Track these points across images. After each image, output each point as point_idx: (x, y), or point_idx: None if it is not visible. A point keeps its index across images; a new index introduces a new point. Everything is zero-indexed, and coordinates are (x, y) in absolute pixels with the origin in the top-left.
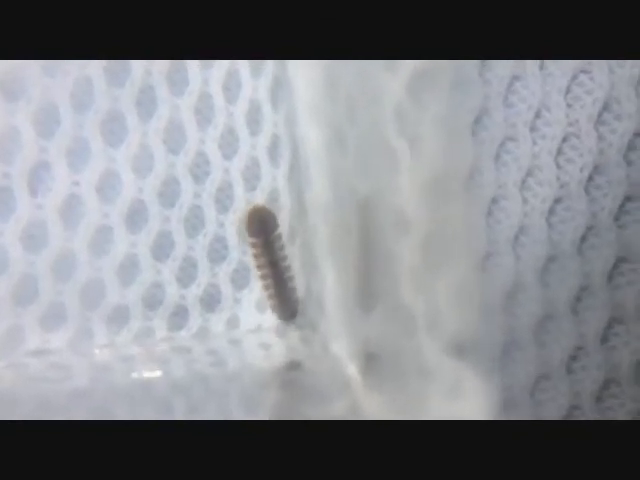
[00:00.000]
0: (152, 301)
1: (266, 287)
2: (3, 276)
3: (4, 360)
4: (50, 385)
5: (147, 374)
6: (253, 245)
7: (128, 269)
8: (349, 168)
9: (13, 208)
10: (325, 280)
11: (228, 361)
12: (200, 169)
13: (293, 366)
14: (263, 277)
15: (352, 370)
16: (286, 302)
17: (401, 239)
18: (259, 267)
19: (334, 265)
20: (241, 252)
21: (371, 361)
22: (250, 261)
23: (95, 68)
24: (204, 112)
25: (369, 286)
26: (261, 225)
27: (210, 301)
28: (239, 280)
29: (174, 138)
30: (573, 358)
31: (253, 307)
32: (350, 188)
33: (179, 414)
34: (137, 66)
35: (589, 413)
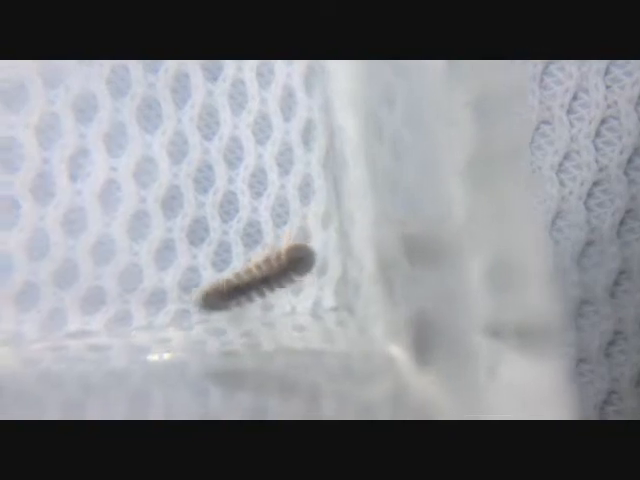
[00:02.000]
0: (188, 285)
1: (236, 278)
2: (45, 260)
3: (46, 341)
4: (89, 366)
5: (183, 356)
6: (271, 266)
7: (164, 253)
8: (386, 154)
9: (53, 193)
10: (363, 265)
11: (262, 343)
12: (234, 155)
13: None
14: (246, 273)
15: (395, 351)
16: (225, 301)
17: (443, 220)
18: (250, 272)
19: (373, 251)
20: (274, 237)
21: (416, 340)
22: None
23: None
24: (237, 98)
25: (411, 269)
26: (299, 265)
27: None
28: None
29: (208, 124)
30: (612, 343)
31: (288, 291)
32: (388, 174)
33: (215, 397)
34: None
35: (628, 398)
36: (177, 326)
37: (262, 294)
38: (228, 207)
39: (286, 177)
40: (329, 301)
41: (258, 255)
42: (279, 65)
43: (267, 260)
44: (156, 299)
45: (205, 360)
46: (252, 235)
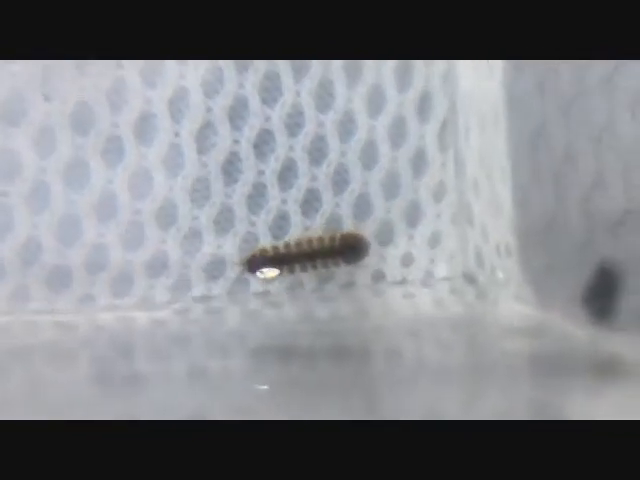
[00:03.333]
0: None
1: (285, 247)
2: (173, 229)
3: (175, 305)
4: (210, 327)
5: (296, 321)
6: (323, 246)
7: (280, 222)
8: (550, 121)
9: (182, 164)
10: (488, 233)
11: (369, 311)
12: (345, 127)
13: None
14: (296, 245)
15: (534, 313)
16: (266, 266)
17: None
18: (300, 245)
19: (508, 218)
20: (385, 211)
21: (590, 301)
22: (393, 220)
23: None
24: (350, 71)
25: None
26: (350, 253)
27: None
28: (383, 236)
29: (323, 98)
30: None
31: (398, 262)
32: (549, 140)
33: (322, 360)
34: None
35: None
36: (292, 295)
37: (304, 269)
38: (337, 179)
39: (398, 150)
40: (441, 271)
41: (315, 231)
42: None
43: (321, 238)
44: None
45: (315, 323)
46: (362, 208)
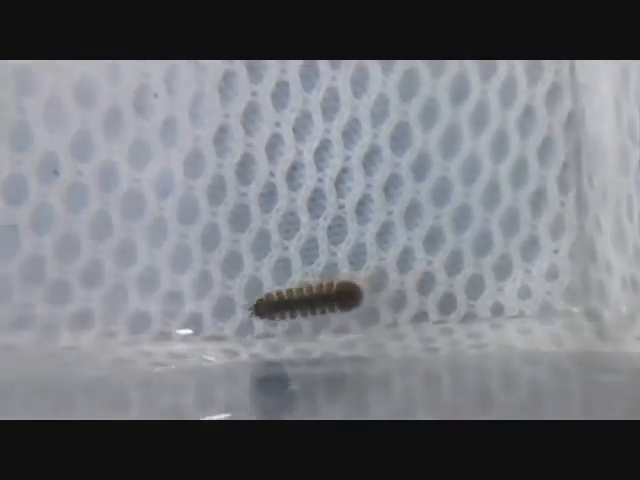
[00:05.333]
0: (425, 289)
1: (287, 293)
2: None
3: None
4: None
5: (417, 353)
6: (321, 292)
7: (404, 257)
8: None
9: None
10: (611, 269)
11: (489, 344)
12: (470, 173)
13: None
14: (297, 291)
15: None
16: (271, 311)
17: None
18: (300, 291)
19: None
20: (503, 246)
21: None
22: (511, 254)
23: None
24: (478, 118)
25: None
26: (348, 301)
27: (474, 289)
28: (500, 269)
29: (448, 145)
30: None
31: (516, 295)
32: None
33: (445, 385)
34: None
35: None
36: (415, 326)
37: (305, 314)
38: (460, 217)
39: (519, 190)
40: (559, 306)
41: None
42: (521, 85)
43: (320, 285)
44: (396, 300)
45: (436, 355)
46: (481, 244)
